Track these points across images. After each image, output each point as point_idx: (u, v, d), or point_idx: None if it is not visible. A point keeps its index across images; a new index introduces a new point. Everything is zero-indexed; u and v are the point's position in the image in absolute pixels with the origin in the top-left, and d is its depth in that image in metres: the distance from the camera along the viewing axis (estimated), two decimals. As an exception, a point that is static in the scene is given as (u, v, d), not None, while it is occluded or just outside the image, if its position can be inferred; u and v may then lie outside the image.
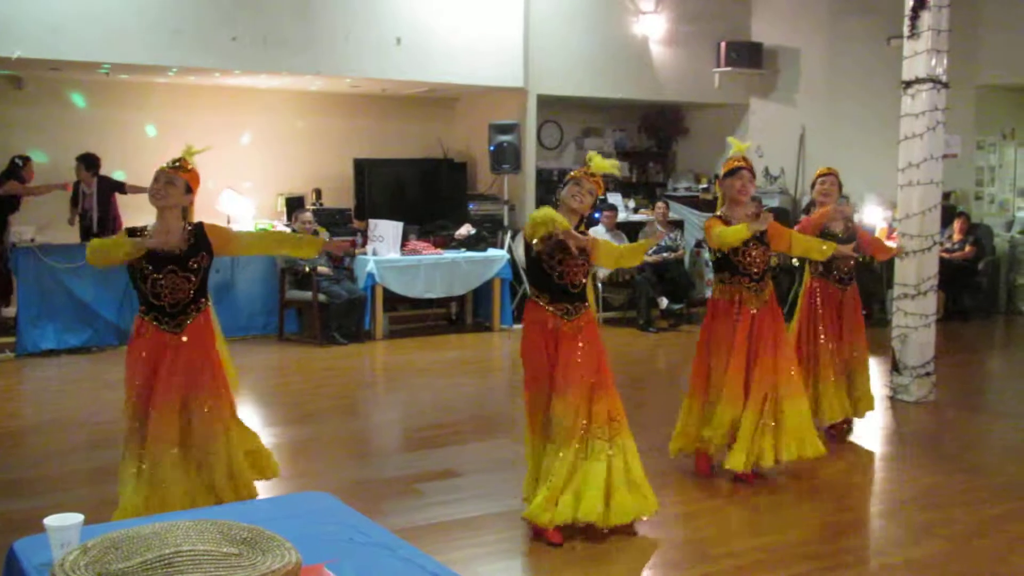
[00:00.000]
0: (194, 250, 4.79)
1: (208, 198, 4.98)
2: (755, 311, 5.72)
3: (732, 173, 5.77)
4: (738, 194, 5.76)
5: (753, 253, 5.74)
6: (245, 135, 12.10)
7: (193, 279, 4.78)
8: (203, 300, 4.87)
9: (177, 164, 4.83)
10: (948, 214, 11.13)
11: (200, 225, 4.87)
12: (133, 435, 4.72)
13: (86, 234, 10.13)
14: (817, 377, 6.58)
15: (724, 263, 5.80)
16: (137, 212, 8.76)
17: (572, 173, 5.09)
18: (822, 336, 6.65)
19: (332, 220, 11.62)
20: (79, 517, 2.72)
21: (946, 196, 10.11)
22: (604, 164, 5.05)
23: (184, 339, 4.76)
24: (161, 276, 4.71)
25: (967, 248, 11.85)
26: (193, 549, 2.10)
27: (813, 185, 7.19)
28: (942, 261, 7.68)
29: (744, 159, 5.81)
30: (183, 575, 2.02)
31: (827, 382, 6.59)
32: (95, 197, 10.29)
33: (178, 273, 4.74)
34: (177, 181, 4.79)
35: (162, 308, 4.74)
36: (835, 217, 6.71)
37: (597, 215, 12.42)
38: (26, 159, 9.88)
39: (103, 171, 10.43)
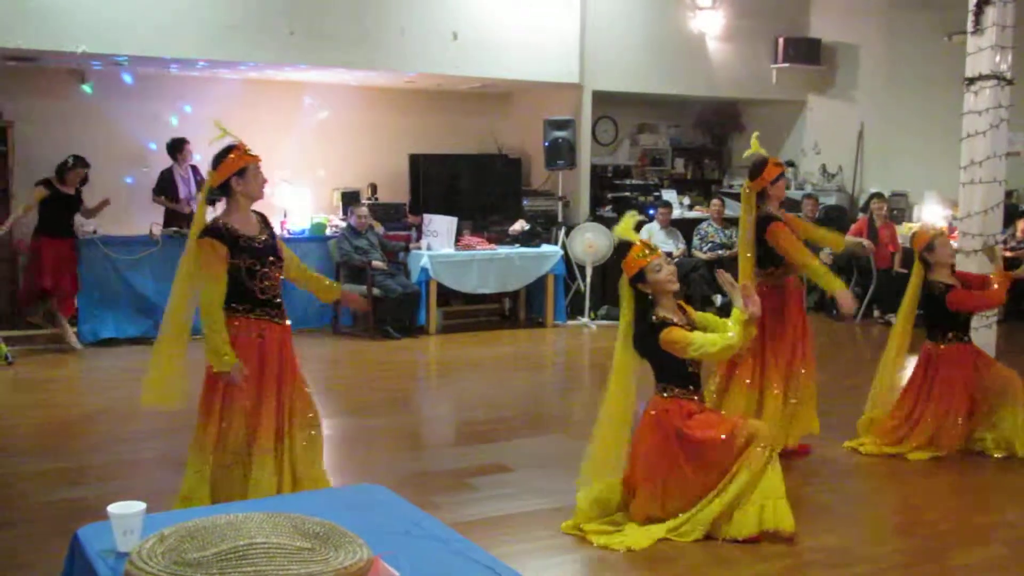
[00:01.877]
0: (273, 236, 4.83)
1: (265, 191, 5.03)
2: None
3: (781, 176, 6.19)
4: (781, 193, 6.23)
5: None
6: (301, 129, 12.19)
7: (282, 265, 4.82)
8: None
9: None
10: (1010, 213, 10.94)
11: (261, 215, 4.89)
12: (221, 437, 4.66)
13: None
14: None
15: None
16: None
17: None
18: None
19: (387, 215, 11.68)
20: (142, 505, 2.77)
21: (1008, 195, 9.94)
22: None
23: (288, 323, 4.82)
24: (267, 269, 4.72)
25: (1028, 251, 11.62)
26: (267, 542, 2.12)
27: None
28: (1006, 260, 7.54)
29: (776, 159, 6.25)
30: (257, 567, 2.04)
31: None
32: (192, 183, 10.54)
33: (277, 264, 4.78)
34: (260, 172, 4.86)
35: (268, 302, 4.73)
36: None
37: (652, 211, 12.39)
38: (77, 160, 9.81)
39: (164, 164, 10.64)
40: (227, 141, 4.78)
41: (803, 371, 6.22)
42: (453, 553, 2.84)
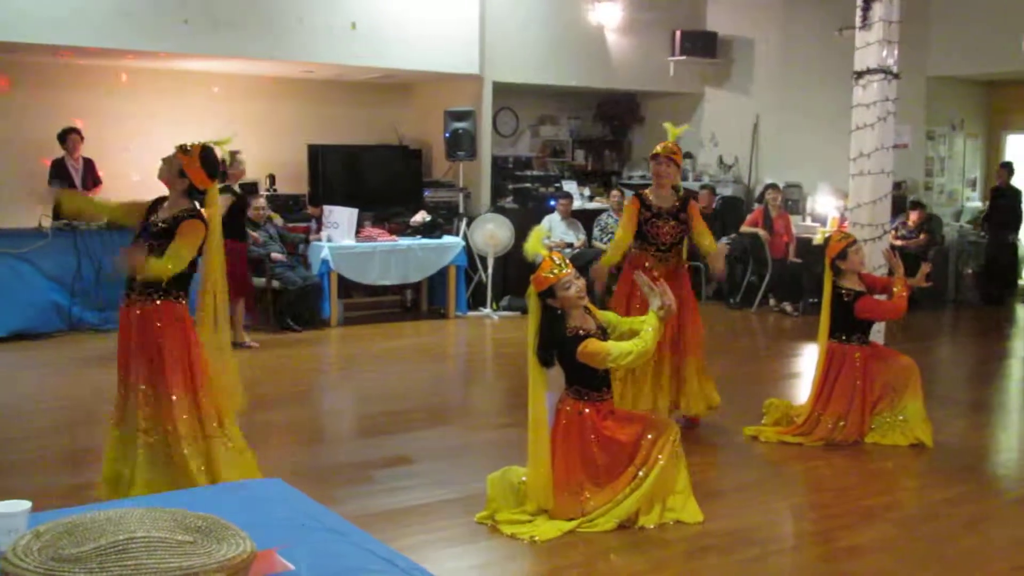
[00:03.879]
0: (161, 235, 4.88)
1: (156, 182, 5.01)
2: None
3: (654, 158, 6.60)
4: (661, 178, 6.55)
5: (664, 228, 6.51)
6: (197, 120, 11.96)
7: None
8: (165, 292, 4.88)
9: (183, 146, 4.89)
10: (899, 203, 11.27)
11: (184, 217, 4.94)
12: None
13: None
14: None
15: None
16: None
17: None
18: None
19: (286, 206, 11.54)
20: (26, 504, 2.69)
21: (897, 186, 10.24)
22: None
23: (137, 312, 4.84)
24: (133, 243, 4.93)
25: (921, 237, 12.00)
26: (148, 536, 2.09)
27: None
28: (895, 249, 7.77)
29: (666, 148, 6.54)
30: (137, 560, 2.01)
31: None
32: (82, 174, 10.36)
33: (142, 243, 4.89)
34: (173, 161, 4.88)
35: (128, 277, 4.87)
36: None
37: (552, 203, 12.46)
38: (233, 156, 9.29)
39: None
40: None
41: (695, 344, 6.66)
42: (351, 545, 2.81)
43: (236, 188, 9.27)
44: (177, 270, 4.79)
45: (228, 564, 2.07)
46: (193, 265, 4.98)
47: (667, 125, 6.72)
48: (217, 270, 5.04)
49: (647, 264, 6.43)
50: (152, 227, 4.91)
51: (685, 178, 14.44)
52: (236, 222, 9.20)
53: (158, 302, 4.84)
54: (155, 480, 4.74)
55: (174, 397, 4.78)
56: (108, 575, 1.97)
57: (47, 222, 9.64)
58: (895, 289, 6.52)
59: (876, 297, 6.62)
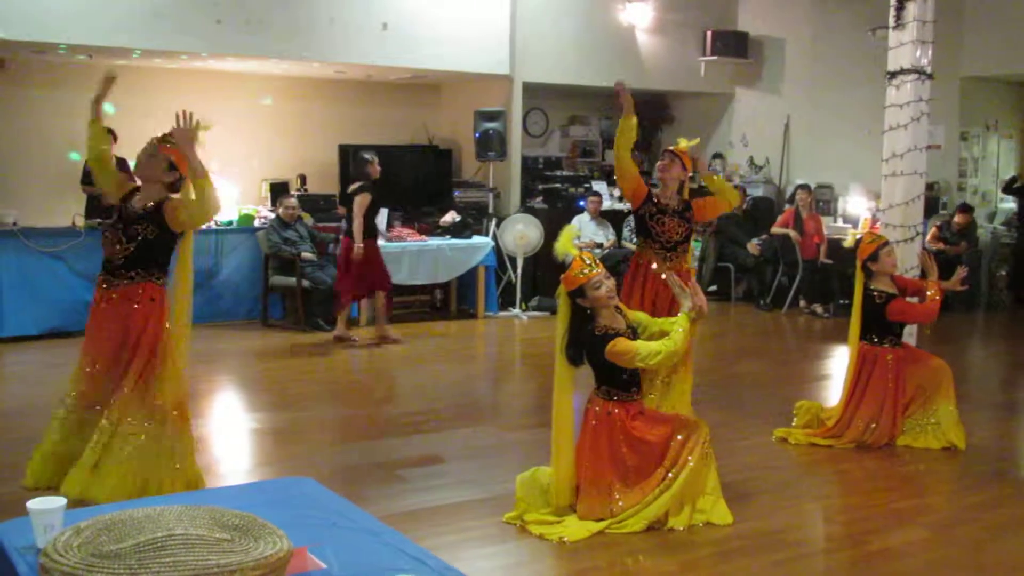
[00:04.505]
0: (144, 218, 5.04)
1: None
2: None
3: (661, 158, 6.45)
4: (668, 180, 6.32)
5: (669, 224, 6.22)
6: (229, 120, 12.02)
7: (127, 243, 5.01)
8: (147, 274, 5.06)
9: (165, 138, 4.92)
10: (931, 205, 11.18)
11: (166, 200, 5.08)
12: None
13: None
14: None
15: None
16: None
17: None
18: None
19: (317, 206, 11.59)
20: (62, 500, 2.73)
21: (929, 187, 10.16)
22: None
23: (113, 296, 5.03)
24: (108, 230, 5.10)
25: (962, 244, 11.86)
26: (186, 533, 2.12)
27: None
28: (936, 255, 7.70)
29: (677, 148, 6.38)
30: (175, 558, 2.03)
31: None
32: None
33: (118, 231, 5.06)
34: (158, 155, 4.92)
35: (106, 262, 5.10)
36: None
37: (582, 203, 12.45)
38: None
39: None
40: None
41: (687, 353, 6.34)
42: (382, 544, 2.83)
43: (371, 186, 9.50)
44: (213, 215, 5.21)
45: (265, 562, 2.09)
46: (170, 253, 5.20)
47: (680, 140, 6.52)
48: (189, 261, 5.20)
49: (653, 265, 6.19)
50: (130, 212, 5.04)
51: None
52: (371, 220, 9.49)
53: (139, 284, 5.04)
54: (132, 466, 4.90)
55: (143, 380, 4.98)
56: (147, 572, 1.99)
57: (80, 221, 9.74)
58: (928, 293, 6.46)
59: (908, 300, 6.57)
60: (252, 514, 2.28)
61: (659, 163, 6.45)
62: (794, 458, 6.24)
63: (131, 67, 11.28)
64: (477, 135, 11.79)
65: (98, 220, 9.79)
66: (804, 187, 12.28)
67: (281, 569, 2.13)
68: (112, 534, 2.13)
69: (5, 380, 8.46)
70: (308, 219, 10.82)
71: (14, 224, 9.50)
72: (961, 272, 6.70)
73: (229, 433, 6.76)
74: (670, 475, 4.80)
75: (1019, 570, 4.59)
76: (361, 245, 9.30)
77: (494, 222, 11.64)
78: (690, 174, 6.46)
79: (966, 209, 11.97)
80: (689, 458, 4.79)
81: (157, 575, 1.95)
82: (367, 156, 9.66)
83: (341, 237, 9.89)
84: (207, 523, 2.20)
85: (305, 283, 10.18)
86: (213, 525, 2.19)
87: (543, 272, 11.52)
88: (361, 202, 9.35)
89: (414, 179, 12.45)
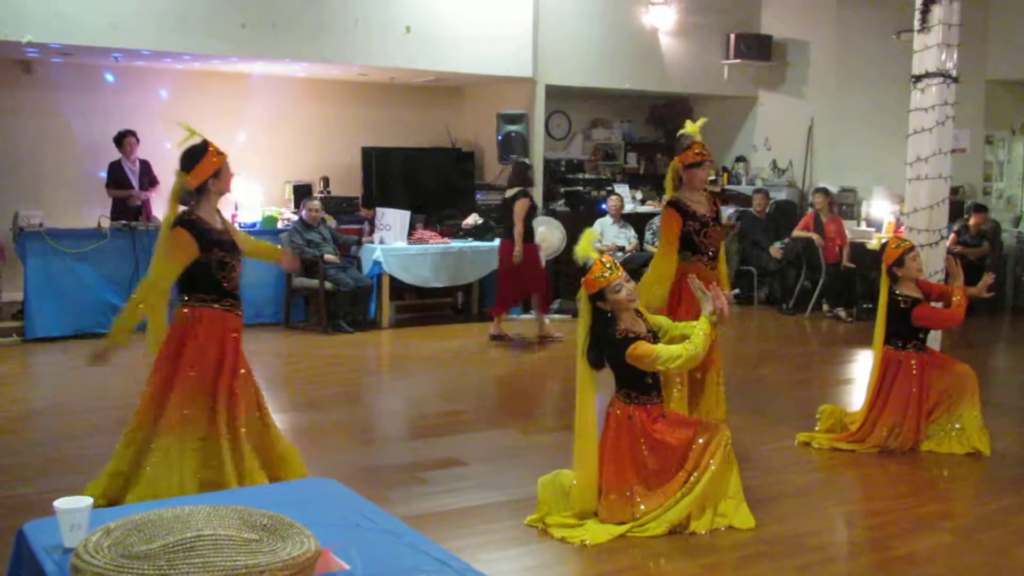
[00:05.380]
0: (229, 230, 5.06)
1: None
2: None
3: (698, 165, 6.04)
4: (700, 183, 6.12)
5: (713, 234, 6.08)
6: (253, 122, 12.09)
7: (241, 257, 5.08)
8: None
9: (215, 148, 5.00)
10: (956, 208, 11.11)
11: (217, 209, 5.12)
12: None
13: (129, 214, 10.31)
14: None
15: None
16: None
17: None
18: None
19: (340, 208, 11.63)
20: (88, 500, 2.75)
21: (954, 191, 10.09)
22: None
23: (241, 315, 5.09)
24: (234, 262, 4.97)
25: (984, 245, 11.79)
26: (215, 534, 2.13)
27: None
28: (958, 257, 7.63)
29: (705, 150, 6.07)
30: (204, 559, 2.04)
31: None
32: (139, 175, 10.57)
33: (239, 257, 5.04)
34: (226, 166, 5.07)
35: (231, 293, 4.97)
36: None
37: (603, 206, 12.43)
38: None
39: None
40: (193, 140, 4.99)
41: (716, 353, 6.19)
42: (404, 546, 2.84)
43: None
44: None
45: (293, 563, 2.10)
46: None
47: (688, 123, 6.21)
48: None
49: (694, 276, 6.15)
50: (226, 239, 4.97)
51: (738, 181, 14.37)
52: (529, 224, 9.81)
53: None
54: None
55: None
56: (177, 573, 2.00)
57: (106, 223, 9.81)
58: (954, 298, 6.42)
59: (933, 304, 6.53)
60: (279, 513, 2.29)
61: (701, 174, 6.08)
62: (817, 462, 6.22)
63: (157, 69, 11.37)
64: (499, 137, 11.80)
65: (123, 222, 9.87)
66: (821, 191, 12.23)
67: (309, 569, 2.14)
68: (142, 534, 2.15)
69: (31, 380, 8.52)
70: (331, 221, 10.86)
71: (40, 225, 9.58)
72: (988, 279, 6.64)
73: (252, 434, 6.78)
74: (692, 479, 4.80)
75: (1044, 577, 4.56)
76: (520, 249, 9.64)
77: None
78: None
79: (980, 210, 11.90)
80: (711, 461, 4.79)
81: (187, 576, 1.97)
82: (526, 161, 9.80)
83: (500, 241, 10.21)
84: (235, 523, 2.21)
85: (328, 285, 10.22)
86: (241, 525, 2.20)
87: (565, 275, 11.51)
88: (521, 207, 9.51)
89: (436, 182, 12.48)
